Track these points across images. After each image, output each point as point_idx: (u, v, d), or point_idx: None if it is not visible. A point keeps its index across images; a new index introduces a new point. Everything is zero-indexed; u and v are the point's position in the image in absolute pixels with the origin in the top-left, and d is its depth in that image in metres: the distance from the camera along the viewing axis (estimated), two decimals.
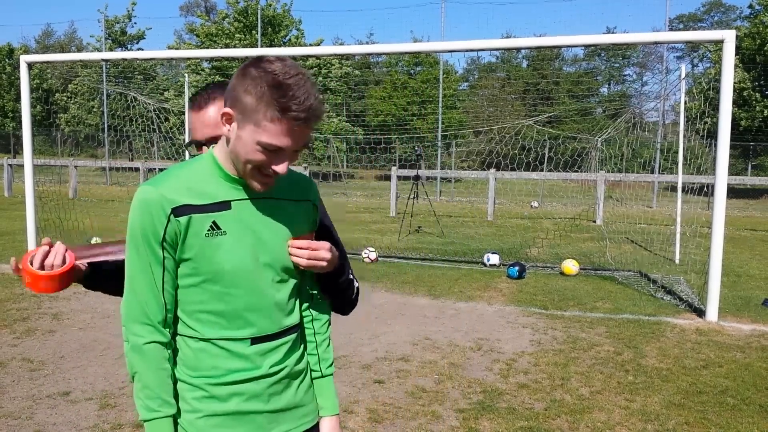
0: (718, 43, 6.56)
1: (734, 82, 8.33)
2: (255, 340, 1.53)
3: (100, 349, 5.22)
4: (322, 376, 1.72)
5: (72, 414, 3.96)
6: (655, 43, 7.18)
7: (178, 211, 1.44)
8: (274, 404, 1.58)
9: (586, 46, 32.27)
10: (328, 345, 1.75)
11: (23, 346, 5.25)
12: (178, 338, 1.54)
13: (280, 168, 1.43)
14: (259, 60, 1.42)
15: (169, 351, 1.50)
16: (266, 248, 1.53)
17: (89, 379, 4.56)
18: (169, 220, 1.43)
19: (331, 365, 1.74)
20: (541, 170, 18.62)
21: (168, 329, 1.50)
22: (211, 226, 1.46)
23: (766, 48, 27.77)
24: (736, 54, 18.36)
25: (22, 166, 12.24)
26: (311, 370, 1.71)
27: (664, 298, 7.42)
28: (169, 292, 1.49)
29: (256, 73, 1.38)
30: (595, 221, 15.45)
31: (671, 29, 31.72)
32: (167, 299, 1.49)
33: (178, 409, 1.51)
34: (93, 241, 10.33)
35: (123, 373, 4.69)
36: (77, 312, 6.33)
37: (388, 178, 19.33)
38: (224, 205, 1.49)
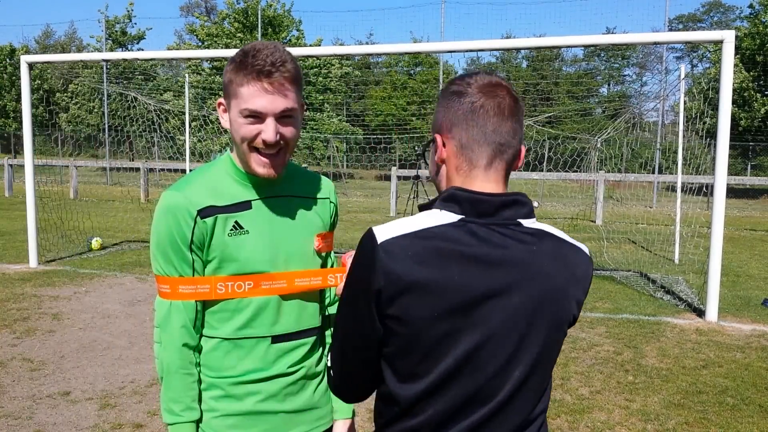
0: (718, 44, 6.57)
1: (734, 83, 8.34)
2: (276, 339, 1.55)
3: (100, 349, 5.23)
4: None
5: (72, 414, 3.96)
6: (655, 43, 7.18)
7: (204, 212, 1.46)
8: (290, 405, 1.59)
9: (586, 47, 32.25)
10: None
11: (23, 346, 5.25)
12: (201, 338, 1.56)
13: (268, 135, 1.44)
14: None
15: (197, 355, 1.52)
16: (288, 245, 1.55)
17: (89, 379, 4.57)
18: (195, 222, 1.46)
19: None
20: (541, 170, 18.60)
21: (197, 333, 1.52)
22: (234, 226, 1.49)
23: (766, 48, 27.78)
24: (736, 54, 18.36)
25: (22, 166, 12.24)
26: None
27: (664, 298, 7.42)
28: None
29: (234, 54, 1.46)
30: (594, 221, 15.45)
31: (671, 29, 31.73)
32: (198, 302, 1.51)
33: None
34: (93, 242, 10.32)
35: (123, 373, 4.70)
36: (77, 312, 6.33)
37: (388, 178, 19.33)
38: (245, 205, 1.51)
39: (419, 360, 1.14)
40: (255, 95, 1.41)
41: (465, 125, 1.19)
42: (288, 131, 1.47)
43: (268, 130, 1.43)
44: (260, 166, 1.48)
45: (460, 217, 1.15)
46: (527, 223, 1.19)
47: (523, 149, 1.24)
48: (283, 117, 1.45)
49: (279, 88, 1.42)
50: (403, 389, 1.16)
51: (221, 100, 1.51)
